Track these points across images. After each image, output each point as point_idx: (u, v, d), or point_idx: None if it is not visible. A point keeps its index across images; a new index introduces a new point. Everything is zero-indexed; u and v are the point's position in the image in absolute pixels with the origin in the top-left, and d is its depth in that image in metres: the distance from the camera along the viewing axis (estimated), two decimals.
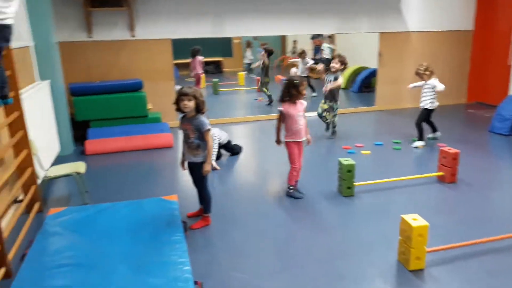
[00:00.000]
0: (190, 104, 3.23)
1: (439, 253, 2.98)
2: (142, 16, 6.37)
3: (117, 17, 6.26)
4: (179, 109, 3.31)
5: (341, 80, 5.82)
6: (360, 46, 10.57)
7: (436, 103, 5.46)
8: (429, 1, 7.62)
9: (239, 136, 6.52)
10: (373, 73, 8.79)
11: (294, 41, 13.24)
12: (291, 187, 4.08)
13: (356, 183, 4.06)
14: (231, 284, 2.76)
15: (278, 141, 4.11)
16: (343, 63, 5.77)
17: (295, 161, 4.03)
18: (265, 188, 4.44)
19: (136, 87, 6.21)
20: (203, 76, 10.05)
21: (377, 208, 3.83)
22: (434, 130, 5.77)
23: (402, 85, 6.13)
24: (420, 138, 5.61)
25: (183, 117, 3.38)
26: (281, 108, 3.95)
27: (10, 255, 2.92)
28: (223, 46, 14.00)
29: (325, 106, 5.97)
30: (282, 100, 3.97)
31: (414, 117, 5.71)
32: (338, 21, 7.29)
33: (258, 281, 2.78)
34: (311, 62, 9.12)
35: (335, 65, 5.78)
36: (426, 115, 5.55)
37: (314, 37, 11.99)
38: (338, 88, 5.88)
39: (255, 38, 12.54)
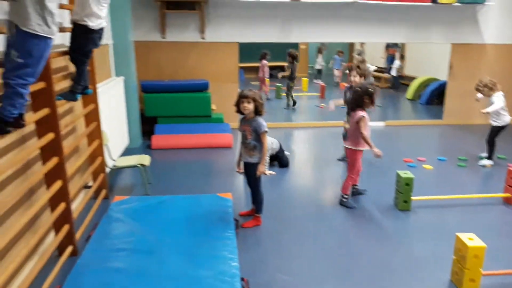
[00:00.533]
0: (249, 106, 3.34)
1: (497, 278, 2.84)
2: (212, 19, 6.61)
3: (189, 19, 6.55)
4: (239, 111, 3.43)
5: None
6: (430, 57, 10.19)
7: (506, 119, 5.13)
8: (509, 11, 7.18)
9: (296, 141, 6.55)
10: (443, 86, 8.43)
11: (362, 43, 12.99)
12: (345, 196, 4.05)
13: (413, 198, 3.95)
14: (276, 285, 2.81)
15: (379, 152, 3.79)
16: (363, 75, 4.88)
17: (355, 170, 4.00)
18: (319, 195, 4.44)
19: (203, 87, 6.46)
20: (267, 80, 10.20)
21: (433, 225, 3.70)
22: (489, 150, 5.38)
23: (473, 100, 5.81)
24: (489, 156, 5.31)
25: (242, 119, 3.49)
26: (365, 115, 3.83)
27: (77, 235, 3.20)
28: None
29: (347, 126, 4.80)
30: (355, 108, 3.89)
31: (484, 134, 5.42)
32: (408, 29, 7.08)
33: (303, 285, 2.81)
34: (372, 67, 8.90)
35: (353, 78, 4.84)
36: (495, 132, 5.24)
37: (389, 45, 11.55)
38: None
39: (323, 44, 12.48)
